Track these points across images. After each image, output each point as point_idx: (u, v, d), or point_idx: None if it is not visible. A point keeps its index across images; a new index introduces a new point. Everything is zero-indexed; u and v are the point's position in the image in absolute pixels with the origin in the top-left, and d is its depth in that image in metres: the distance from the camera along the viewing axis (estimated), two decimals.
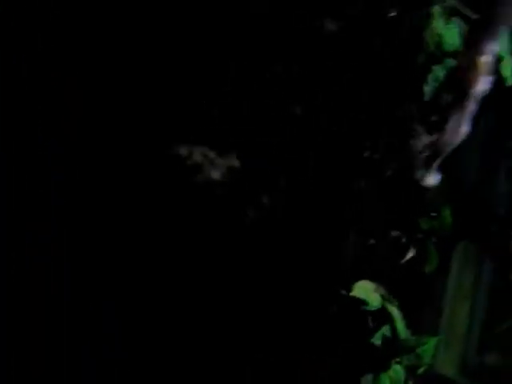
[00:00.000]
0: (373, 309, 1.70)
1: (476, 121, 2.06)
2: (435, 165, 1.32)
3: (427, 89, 1.58)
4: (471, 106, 1.24)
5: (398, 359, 1.63)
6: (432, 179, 1.36)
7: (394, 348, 1.62)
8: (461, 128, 1.24)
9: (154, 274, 1.72)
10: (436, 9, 1.51)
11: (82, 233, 1.70)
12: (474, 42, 1.24)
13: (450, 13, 1.57)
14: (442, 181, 1.92)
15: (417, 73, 1.56)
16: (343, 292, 1.74)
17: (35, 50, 1.62)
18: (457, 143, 1.28)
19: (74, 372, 1.70)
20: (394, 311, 1.71)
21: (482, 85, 1.25)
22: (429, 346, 1.62)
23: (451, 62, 1.58)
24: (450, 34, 1.54)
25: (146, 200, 1.71)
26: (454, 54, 1.58)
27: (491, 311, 2.55)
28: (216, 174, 1.71)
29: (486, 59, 1.23)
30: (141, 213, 1.70)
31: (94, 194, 1.70)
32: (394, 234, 1.90)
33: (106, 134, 1.71)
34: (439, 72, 1.58)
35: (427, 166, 1.30)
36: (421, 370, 1.63)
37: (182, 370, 1.72)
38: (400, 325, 1.68)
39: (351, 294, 1.71)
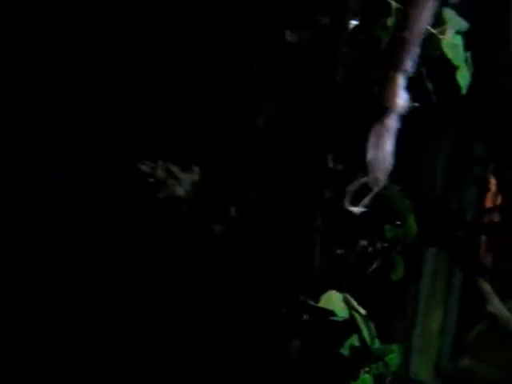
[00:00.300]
0: (340, 319, 1.70)
1: (441, 129, 2.09)
2: (368, 198, 1.27)
3: None
4: (391, 123, 1.20)
5: (366, 368, 1.64)
6: (359, 208, 1.31)
7: (362, 358, 1.63)
8: (383, 146, 1.20)
9: (146, 275, 1.72)
10: (391, 21, 1.53)
11: (82, 233, 1.69)
12: (390, 55, 1.21)
13: None
14: (406, 189, 1.94)
15: (373, 84, 1.58)
16: (311, 303, 1.74)
17: (35, 50, 1.61)
18: (385, 166, 1.24)
19: (74, 372, 1.69)
20: (362, 321, 1.71)
21: (400, 100, 1.21)
22: (396, 354, 1.63)
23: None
24: None
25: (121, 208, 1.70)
26: None
27: (463, 317, 2.58)
28: (180, 190, 1.71)
29: (402, 74, 1.20)
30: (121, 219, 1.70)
31: (89, 195, 1.69)
32: (362, 243, 1.92)
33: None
34: None
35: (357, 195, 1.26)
36: (388, 379, 1.63)
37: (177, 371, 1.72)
38: (368, 334, 1.69)
39: (319, 304, 1.72)
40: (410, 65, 1.17)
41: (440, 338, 2.59)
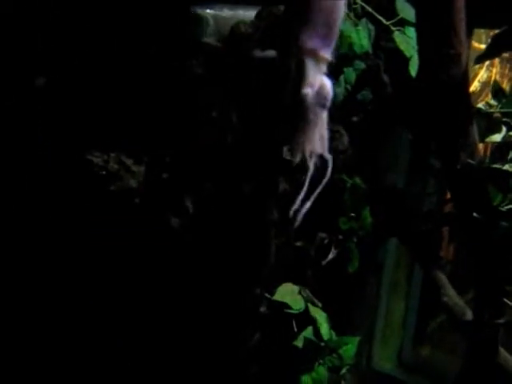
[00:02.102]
0: (296, 311, 1.70)
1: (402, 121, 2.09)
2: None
3: (339, 90, 1.59)
4: (320, 115, 1.12)
5: (320, 361, 1.64)
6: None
7: (317, 350, 1.63)
8: (313, 137, 1.13)
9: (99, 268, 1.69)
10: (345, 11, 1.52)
11: (28, 227, 1.66)
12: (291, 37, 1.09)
13: (359, 15, 1.59)
14: (365, 181, 1.94)
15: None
16: (267, 295, 1.73)
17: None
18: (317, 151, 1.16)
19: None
20: (318, 313, 1.71)
21: (310, 90, 1.09)
22: (350, 346, 1.64)
23: (361, 65, 1.60)
24: (359, 36, 1.55)
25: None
26: (363, 57, 1.60)
27: (425, 307, 2.61)
28: (133, 183, 1.69)
29: (313, 58, 1.08)
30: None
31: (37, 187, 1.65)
32: (321, 235, 1.91)
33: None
34: (350, 74, 1.59)
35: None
36: (343, 371, 1.64)
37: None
38: (324, 326, 1.69)
39: (274, 297, 1.71)
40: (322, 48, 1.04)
41: (402, 329, 2.61)
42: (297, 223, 1.20)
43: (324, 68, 1.07)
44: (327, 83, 1.07)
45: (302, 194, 1.15)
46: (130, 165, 1.69)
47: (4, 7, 1.53)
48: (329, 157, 1.14)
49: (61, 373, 1.66)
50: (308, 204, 1.20)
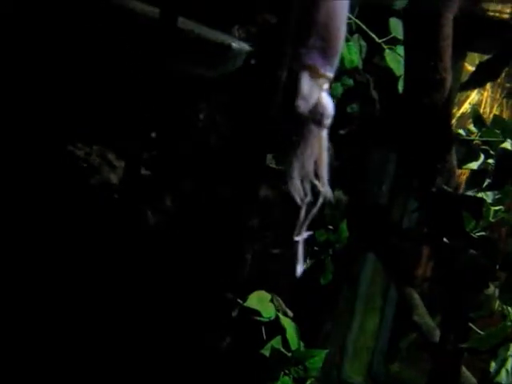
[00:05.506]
0: (266, 319, 1.70)
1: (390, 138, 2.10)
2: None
3: None
4: (315, 133, 1.03)
5: (286, 371, 1.64)
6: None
7: (283, 360, 1.63)
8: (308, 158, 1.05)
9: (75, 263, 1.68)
10: None
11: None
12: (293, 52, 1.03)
13: (352, 30, 1.59)
14: (348, 195, 1.94)
15: None
16: (239, 301, 1.74)
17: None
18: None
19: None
20: (288, 323, 1.72)
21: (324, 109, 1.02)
22: (317, 359, 1.64)
23: (349, 81, 1.61)
24: (350, 51, 1.56)
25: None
26: (352, 71, 1.60)
27: (398, 324, 2.62)
28: (114, 177, 1.68)
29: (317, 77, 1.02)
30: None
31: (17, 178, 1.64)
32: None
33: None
34: (337, 87, 1.60)
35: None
36: (308, 383, 1.64)
37: None
38: (292, 337, 1.69)
39: (245, 303, 1.71)
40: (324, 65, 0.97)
41: (374, 343, 2.62)
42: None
43: (324, 84, 1.01)
44: (326, 100, 1.00)
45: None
46: (112, 159, 1.69)
47: (4, 7, 1.52)
48: (327, 190, 1.05)
49: (57, 371, 1.66)
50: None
